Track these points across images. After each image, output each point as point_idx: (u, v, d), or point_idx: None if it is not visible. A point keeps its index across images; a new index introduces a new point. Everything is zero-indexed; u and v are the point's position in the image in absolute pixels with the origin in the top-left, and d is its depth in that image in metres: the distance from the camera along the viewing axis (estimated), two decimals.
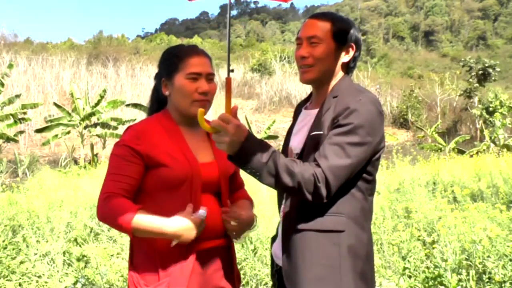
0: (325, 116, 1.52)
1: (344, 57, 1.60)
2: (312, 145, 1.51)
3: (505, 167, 6.62)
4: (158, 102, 1.70)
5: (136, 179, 1.54)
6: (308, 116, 1.63)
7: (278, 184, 1.39)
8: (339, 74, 1.61)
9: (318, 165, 1.41)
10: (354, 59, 1.63)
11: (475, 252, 3.15)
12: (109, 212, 1.49)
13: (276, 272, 1.66)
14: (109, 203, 1.49)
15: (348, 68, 1.64)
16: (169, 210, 1.52)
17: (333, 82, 1.60)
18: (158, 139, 1.56)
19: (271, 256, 1.73)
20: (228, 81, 1.49)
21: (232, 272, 1.69)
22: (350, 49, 1.60)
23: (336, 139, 1.44)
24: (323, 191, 1.39)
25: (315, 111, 1.60)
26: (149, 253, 1.54)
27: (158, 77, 1.67)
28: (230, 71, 1.57)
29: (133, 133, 1.56)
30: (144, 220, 1.46)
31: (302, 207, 1.50)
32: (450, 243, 3.25)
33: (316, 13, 1.66)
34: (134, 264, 1.58)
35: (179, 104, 1.60)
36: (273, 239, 1.75)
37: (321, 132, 1.50)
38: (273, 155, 1.37)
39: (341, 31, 1.57)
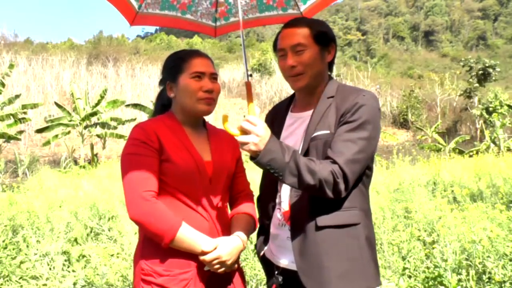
0: (326, 116, 1.54)
1: (328, 57, 1.64)
2: (318, 145, 1.52)
3: (505, 167, 6.62)
4: (162, 106, 1.74)
5: (159, 173, 1.55)
6: (300, 118, 1.64)
7: (300, 184, 1.41)
8: (326, 74, 1.65)
9: (334, 162, 1.43)
10: (334, 57, 1.67)
11: (475, 252, 3.15)
12: (152, 215, 1.47)
13: (280, 275, 1.63)
14: (153, 205, 1.48)
15: (330, 66, 1.68)
16: (176, 207, 1.54)
17: (323, 83, 1.63)
18: (164, 137, 1.58)
19: (264, 260, 1.72)
20: (248, 85, 1.53)
21: (236, 270, 1.70)
22: (331, 48, 1.63)
23: (348, 135, 1.47)
24: (342, 187, 1.43)
25: (308, 113, 1.61)
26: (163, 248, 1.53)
27: (162, 82, 1.71)
28: (249, 75, 1.61)
29: (142, 131, 1.57)
30: (187, 235, 1.49)
31: (314, 205, 1.51)
32: (450, 243, 3.25)
33: (290, 22, 1.66)
34: (145, 256, 1.56)
35: (184, 104, 1.63)
36: (258, 243, 1.75)
37: (328, 132, 1.52)
38: (294, 155, 1.39)
39: (321, 33, 1.60)
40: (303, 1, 2.20)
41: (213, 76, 1.65)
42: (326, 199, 1.45)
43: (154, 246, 1.52)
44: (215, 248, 1.51)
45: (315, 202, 1.50)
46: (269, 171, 1.40)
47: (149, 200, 1.48)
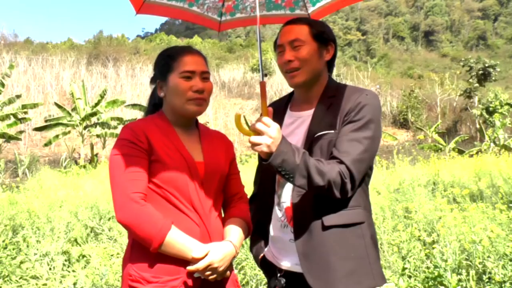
0: (329, 115, 1.54)
1: (326, 56, 1.64)
2: (323, 145, 1.52)
3: (505, 167, 6.62)
4: (153, 105, 1.69)
5: (148, 174, 1.50)
6: (300, 118, 1.64)
7: (310, 185, 1.41)
8: (324, 73, 1.65)
9: (340, 162, 1.44)
10: (334, 57, 1.67)
11: (475, 252, 3.15)
12: (140, 217, 1.41)
13: (282, 277, 1.61)
14: (141, 207, 1.42)
15: (329, 67, 1.68)
16: (166, 210, 1.49)
17: (322, 82, 1.63)
18: (153, 137, 1.53)
19: (264, 263, 1.70)
20: (262, 85, 1.51)
21: (230, 276, 1.63)
22: (330, 47, 1.64)
23: (353, 135, 1.48)
24: (349, 186, 1.44)
25: (308, 112, 1.61)
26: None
27: (153, 80, 1.66)
28: (264, 75, 1.60)
29: (131, 131, 1.52)
30: (177, 239, 1.43)
31: (319, 205, 1.50)
32: (450, 243, 3.25)
33: (291, 20, 1.67)
34: (133, 261, 1.50)
35: (174, 104, 1.57)
36: (255, 245, 1.73)
37: (332, 131, 1.52)
38: (304, 157, 1.40)
39: (320, 32, 1.61)
40: (312, 2, 2.19)
41: (204, 75, 1.58)
42: (331, 198, 1.45)
43: (143, 250, 1.45)
44: (206, 255, 1.45)
45: (320, 201, 1.49)
46: (280, 173, 1.39)
47: (138, 202, 1.42)
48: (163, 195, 1.50)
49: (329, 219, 1.49)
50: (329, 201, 1.47)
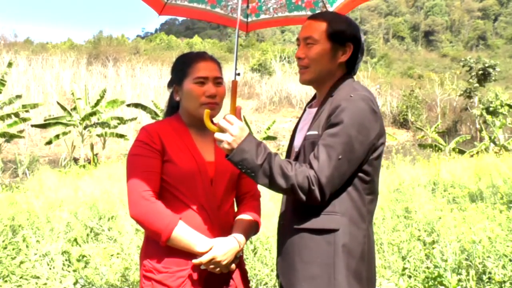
0: (321, 116, 1.54)
1: (342, 57, 1.59)
2: (308, 146, 1.52)
3: (504, 167, 6.62)
4: (172, 108, 1.79)
5: (160, 173, 1.62)
6: (310, 114, 1.65)
7: (272, 186, 1.43)
8: (337, 74, 1.61)
9: (311, 167, 1.42)
10: (355, 58, 1.62)
11: (475, 252, 3.15)
12: (149, 213, 1.54)
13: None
14: (151, 204, 1.54)
15: (348, 67, 1.63)
16: (177, 206, 1.60)
17: (332, 82, 1.60)
18: (167, 138, 1.64)
19: None
20: (234, 84, 1.59)
21: (239, 269, 1.72)
22: (348, 48, 1.59)
23: (328, 140, 1.45)
24: (317, 194, 1.41)
25: (315, 110, 1.62)
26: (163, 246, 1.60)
27: (170, 84, 1.76)
28: (236, 74, 1.69)
29: (146, 133, 1.64)
30: (183, 234, 1.54)
31: (297, 206, 1.52)
32: (450, 243, 3.25)
33: (316, 13, 1.67)
34: (147, 254, 1.64)
35: (188, 108, 1.68)
36: None
37: (316, 132, 1.51)
38: (268, 158, 1.41)
39: (337, 31, 1.57)
40: (330, 3, 2.22)
41: (217, 81, 1.67)
42: (309, 204, 1.45)
43: (155, 244, 1.58)
44: (210, 249, 1.55)
45: (297, 203, 1.49)
46: (241, 170, 1.44)
47: (148, 200, 1.54)
48: (174, 193, 1.61)
49: (299, 222, 1.51)
50: (305, 204, 1.46)
